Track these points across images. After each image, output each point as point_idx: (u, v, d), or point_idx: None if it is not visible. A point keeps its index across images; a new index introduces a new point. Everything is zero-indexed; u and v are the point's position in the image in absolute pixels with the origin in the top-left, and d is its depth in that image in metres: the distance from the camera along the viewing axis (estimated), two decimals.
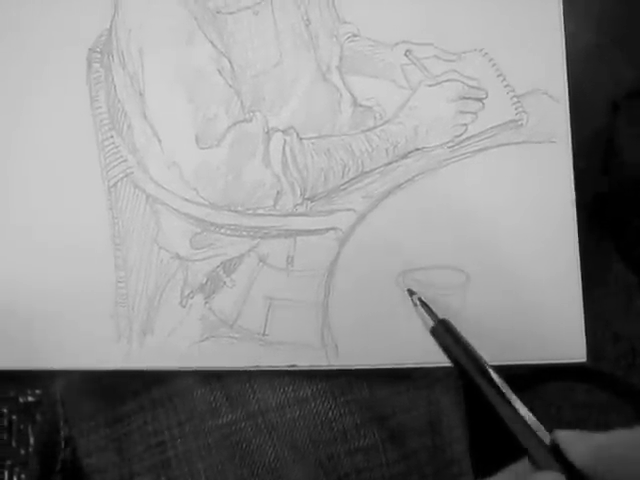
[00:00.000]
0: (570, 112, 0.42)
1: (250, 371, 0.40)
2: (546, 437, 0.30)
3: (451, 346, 0.35)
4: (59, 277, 0.40)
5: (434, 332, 0.37)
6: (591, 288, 0.48)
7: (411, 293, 0.39)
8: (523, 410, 0.31)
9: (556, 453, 0.29)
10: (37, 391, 0.54)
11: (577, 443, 0.28)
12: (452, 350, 0.35)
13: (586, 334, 0.40)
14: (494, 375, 0.32)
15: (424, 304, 0.38)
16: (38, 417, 0.51)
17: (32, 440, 0.53)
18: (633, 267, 0.50)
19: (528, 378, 0.48)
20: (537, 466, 0.29)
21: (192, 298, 0.40)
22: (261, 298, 0.40)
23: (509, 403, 0.31)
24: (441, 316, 0.37)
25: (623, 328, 0.50)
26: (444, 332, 0.36)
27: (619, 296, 0.50)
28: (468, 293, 0.40)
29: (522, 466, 0.30)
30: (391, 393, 0.42)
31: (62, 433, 0.44)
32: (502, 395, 0.31)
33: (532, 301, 0.40)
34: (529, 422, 0.30)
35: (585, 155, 0.48)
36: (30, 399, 0.54)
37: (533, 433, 0.30)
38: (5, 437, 0.53)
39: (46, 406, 0.46)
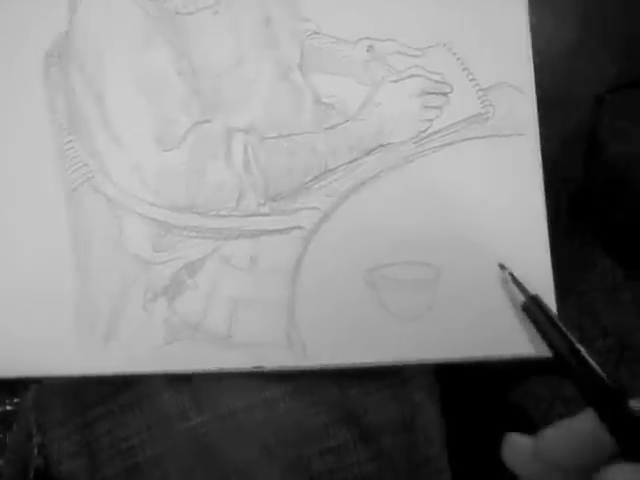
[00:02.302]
0: (553, 107, 0.42)
1: (217, 373, 0.40)
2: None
3: (542, 322, 0.37)
4: (19, 284, 0.40)
5: (526, 308, 0.38)
6: (578, 283, 0.48)
7: (502, 267, 0.39)
8: (607, 378, 0.33)
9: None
10: (15, 399, 0.53)
11: None
12: (543, 326, 0.36)
13: (575, 329, 0.40)
14: (582, 350, 0.34)
15: (515, 280, 0.38)
16: (14, 426, 0.50)
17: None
18: (619, 261, 0.50)
19: (514, 374, 0.48)
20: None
21: (155, 302, 0.40)
22: (225, 299, 0.40)
23: (596, 373, 0.33)
24: (532, 293, 0.38)
25: (611, 322, 0.50)
26: (536, 308, 0.37)
27: (607, 290, 0.50)
28: (438, 288, 0.40)
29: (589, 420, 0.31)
30: (362, 392, 0.42)
31: (35, 440, 0.44)
32: (589, 366, 0.33)
33: (502, 296, 0.40)
34: (624, 391, 0.32)
35: (568, 149, 0.48)
36: (8, 408, 0.53)
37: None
38: None
39: (20, 414, 0.46)
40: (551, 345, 0.36)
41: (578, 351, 0.34)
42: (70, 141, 0.40)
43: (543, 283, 0.40)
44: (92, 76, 0.40)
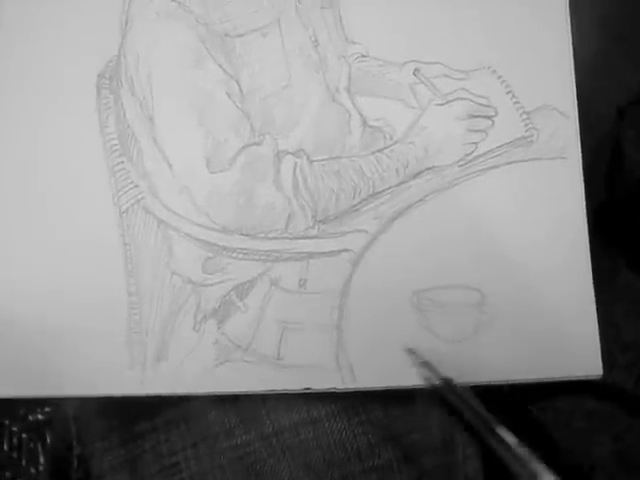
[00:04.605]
0: None
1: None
2: None
3: (456, 404, 0.35)
4: (72, 305, 0.40)
5: (440, 391, 0.36)
6: (600, 296, 0.48)
7: (411, 352, 0.39)
8: (531, 459, 0.31)
9: None
10: (47, 409, 0.54)
11: None
12: (458, 408, 0.35)
13: None
14: (502, 431, 0.33)
15: (426, 364, 0.38)
16: (48, 435, 0.51)
17: (42, 459, 0.52)
18: None
19: (534, 394, 0.48)
20: None
21: (205, 323, 0.40)
22: (274, 322, 0.40)
23: (518, 456, 0.31)
24: (444, 375, 0.37)
25: (633, 336, 0.50)
26: (449, 391, 0.36)
27: (628, 304, 0.50)
28: (482, 311, 0.40)
29: None
30: (405, 412, 0.42)
31: (75, 452, 0.45)
32: (509, 449, 0.32)
33: (547, 318, 0.40)
34: (540, 473, 0.30)
35: (591, 162, 0.48)
36: (40, 417, 0.54)
37: None
38: (15, 456, 0.53)
39: (58, 424, 0.46)
40: (467, 427, 0.34)
41: (494, 430, 0.33)
42: (122, 162, 0.41)
43: (585, 305, 0.40)
44: (142, 98, 0.41)
